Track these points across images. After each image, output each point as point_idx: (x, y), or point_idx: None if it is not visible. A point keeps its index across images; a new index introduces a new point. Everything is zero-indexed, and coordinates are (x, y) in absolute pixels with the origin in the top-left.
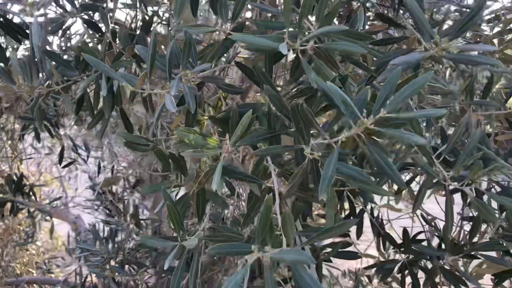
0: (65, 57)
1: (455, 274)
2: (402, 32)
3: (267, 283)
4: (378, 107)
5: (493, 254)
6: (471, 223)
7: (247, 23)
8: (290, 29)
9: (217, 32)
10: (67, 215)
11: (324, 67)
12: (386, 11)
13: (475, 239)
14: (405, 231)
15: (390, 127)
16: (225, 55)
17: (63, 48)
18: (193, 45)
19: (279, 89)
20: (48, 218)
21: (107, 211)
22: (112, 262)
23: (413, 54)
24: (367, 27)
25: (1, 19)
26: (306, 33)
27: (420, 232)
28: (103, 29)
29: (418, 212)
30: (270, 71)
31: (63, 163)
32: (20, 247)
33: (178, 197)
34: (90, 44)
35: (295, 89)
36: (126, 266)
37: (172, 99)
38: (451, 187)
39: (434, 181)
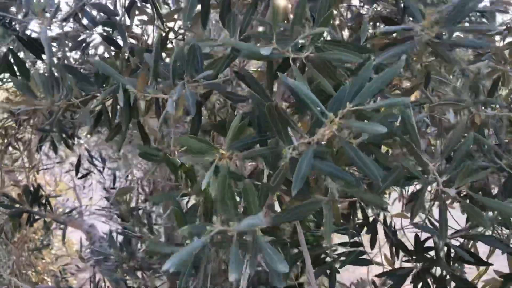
0: (83, 71)
1: (468, 281)
2: None
3: (231, 256)
4: (346, 100)
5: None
6: None
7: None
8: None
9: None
10: (81, 224)
11: (317, 75)
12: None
13: None
14: (417, 238)
15: (357, 120)
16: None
17: (82, 63)
18: (199, 54)
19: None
20: (62, 226)
21: (121, 219)
22: (125, 267)
23: (400, 45)
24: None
25: (22, 35)
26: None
27: (428, 239)
28: (121, 44)
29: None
30: (271, 79)
31: (80, 174)
32: (35, 256)
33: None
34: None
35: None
36: (139, 272)
37: (173, 103)
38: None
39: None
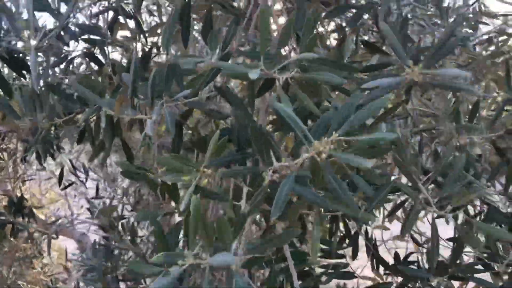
0: (66, 87)
1: None
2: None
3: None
4: (332, 130)
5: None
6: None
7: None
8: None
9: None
10: (72, 233)
11: (302, 95)
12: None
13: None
14: (396, 254)
15: (343, 151)
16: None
17: (65, 80)
18: (178, 72)
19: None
20: (54, 236)
21: (103, 230)
22: (108, 278)
23: (387, 78)
24: None
25: (5, 55)
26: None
27: (411, 253)
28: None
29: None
30: (252, 98)
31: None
32: (27, 266)
33: None
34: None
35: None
36: (123, 283)
37: (152, 124)
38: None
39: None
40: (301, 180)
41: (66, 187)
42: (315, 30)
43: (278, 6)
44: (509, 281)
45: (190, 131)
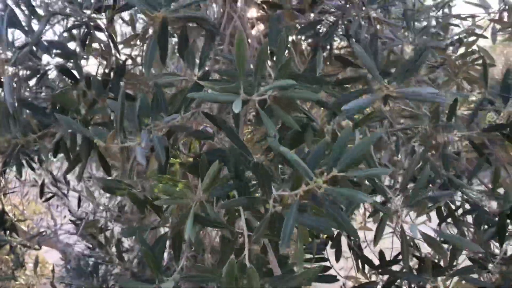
0: (41, 100)
1: None
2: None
3: None
4: (330, 166)
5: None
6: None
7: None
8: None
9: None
10: (56, 244)
11: (282, 114)
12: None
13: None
14: (381, 253)
15: (339, 184)
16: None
17: (39, 95)
18: (162, 96)
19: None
20: (37, 247)
21: (89, 245)
22: None
23: (363, 98)
24: None
25: None
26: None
27: (399, 254)
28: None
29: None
30: (238, 119)
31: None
32: (9, 278)
33: None
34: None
35: None
36: None
37: (143, 151)
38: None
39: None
40: (302, 209)
41: (48, 199)
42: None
43: (254, 14)
44: (501, 280)
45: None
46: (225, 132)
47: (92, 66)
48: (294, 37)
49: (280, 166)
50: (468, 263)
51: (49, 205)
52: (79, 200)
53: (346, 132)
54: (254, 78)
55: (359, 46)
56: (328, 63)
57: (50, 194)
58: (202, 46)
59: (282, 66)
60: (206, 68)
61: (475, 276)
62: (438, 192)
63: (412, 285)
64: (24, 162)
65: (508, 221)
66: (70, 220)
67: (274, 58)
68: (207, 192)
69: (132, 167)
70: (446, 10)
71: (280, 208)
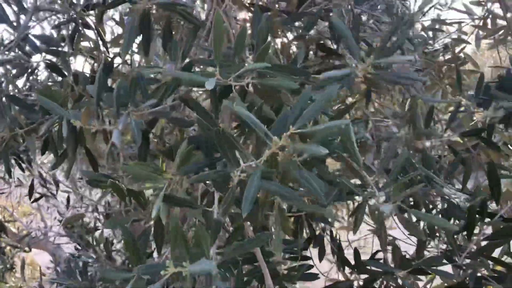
0: (29, 97)
1: None
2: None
3: None
4: (288, 125)
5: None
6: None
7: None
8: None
9: None
10: (46, 245)
11: (258, 101)
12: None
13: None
14: (356, 252)
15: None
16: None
17: (27, 91)
18: (142, 83)
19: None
20: (26, 249)
21: (77, 245)
22: None
23: (340, 70)
24: None
25: None
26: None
27: (377, 252)
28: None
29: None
30: (216, 103)
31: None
32: None
33: None
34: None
35: None
36: None
37: (119, 134)
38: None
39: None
40: (267, 177)
41: (36, 200)
42: (269, 38)
43: (243, 16)
44: (470, 272)
45: (156, 139)
46: (197, 112)
47: (80, 64)
48: (281, 40)
49: None
50: None
51: (39, 206)
52: (68, 201)
53: (306, 92)
54: (232, 62)
55: (338, 18)
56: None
57: (39, 195)
58: (185, 39)
59: (261, 52)
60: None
61: (444, 269)
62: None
63: (390, 284)
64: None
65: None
66: (59, 221)
67: None
68: (178, 171)
69: (112, 153)
70: (433, 16)
71: (244, 176)
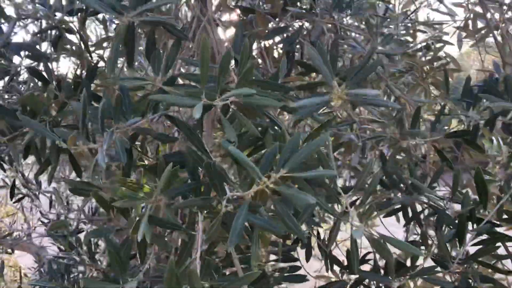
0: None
1: None
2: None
3: None
4: (279, 166)
5: None
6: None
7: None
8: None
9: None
10: (29, 247)
11: (244, 120)
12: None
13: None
14: (348, 252)
15: (288, 185)
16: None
17: (9, 96)
18: (126, 99)
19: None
20: (9, 251)
21: (59, 247)
22: None
23: (315, 97)
24: None
25: None
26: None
27: (368, 253)
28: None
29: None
30: (200, 123)
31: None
32: None
33: None
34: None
35: None
36: None
37: (103, 153)
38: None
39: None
40: (253, 209)
41: (18, 200)
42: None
43: (228, 17)
44: (461, 278)
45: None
46: (184, 132)
47: (65, 68)
48: (266, 42)
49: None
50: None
51: (22, 208)
52: (51, 201)
53: (297, 135)
54: (217, 84)
55: (312, 47)
56: (290, 69)
57: (21, 196)
58: (169, 51)
59: (245, 73)
60: (172, 72)
61: (437, 276)
62: (403, 196)
63: (380, 285)
64: None
65: (468, 222)
66: (42, 222)
67: None
68: (163, 193)
69: (96, 168)
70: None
71: (233, 208)
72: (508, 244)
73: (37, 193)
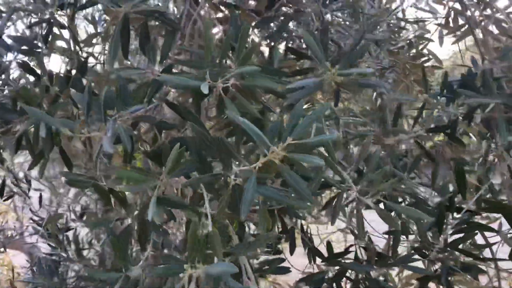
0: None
1: (379, 282)
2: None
3: None
4: (286, 135)
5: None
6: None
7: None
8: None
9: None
10: (22, 245)
11: (244, 101)
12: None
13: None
14: (329, 245)
15: (296, 152)
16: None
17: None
18: (126, 88)
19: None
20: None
21: (49, 244)
22: None
23: (309, 79)
24: None
25: None
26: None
27: (351, 246)
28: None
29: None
30: (198, 106)
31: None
32: None
33: None
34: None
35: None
36: None
37: (109, 140)
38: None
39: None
40: (261, 181)
41: (8, 198)
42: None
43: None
44: (441, 266)
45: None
46: (187, 118)
47: (56, 64)
48: (252, 38)
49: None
50: None
51: (15, 206)
52: (41, 199)
53: (300, 105)
54: (219, 66)
55: (305, 30)
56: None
57: (11, 194)
58: (163, 41)
59: (245, 55)
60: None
61: (418, 264)
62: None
63: (359, 275)
64: None
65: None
66: (33, 220)
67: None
68: (170, 175)
69: (96, 159)
70: (400, 15)
71: (241, 181)
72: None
73: (27, 192)
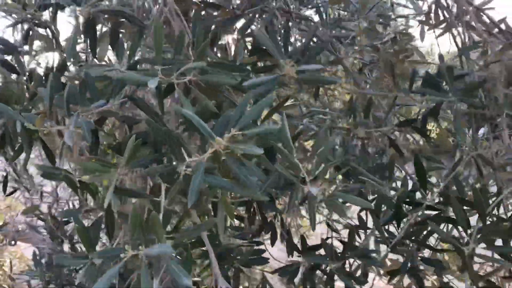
0: None
1: (349, 274)
2: None
3: (142, 278)
4: (230, 127)
5: None
6: None
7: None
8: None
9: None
10: (32, 238)
11: (200, 96)
12: None
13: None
14: (302, 238)
15: (241, 143)
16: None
17: None
18: (91, 84)
19: None
20: (12, 242)
21: (43, 237)
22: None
23: (267, 76)
24: None
25: None
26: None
27: (327, 238)
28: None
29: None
30: (161, 101)
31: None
32: None
33: None
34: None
35: None
36: None
37: (70, 134)
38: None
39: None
40: (209, 171)
41: (10, 193)
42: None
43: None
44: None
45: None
46: (144, 110)
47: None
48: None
49: None
50: None
51: (25, 200)
52: (41, 194)
53: (246, 96)
54: (173, 61)
55: (260, 30)
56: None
57: (13, 189)
58: (131, 43)
59: (200, 51)
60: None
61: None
62: (353, 185)
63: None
64: None
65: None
66: (35, 215)
67: None
68: (127, 166)
69: (62, 151)
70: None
71: (189, 171)
72: None
73: (28, 186)
